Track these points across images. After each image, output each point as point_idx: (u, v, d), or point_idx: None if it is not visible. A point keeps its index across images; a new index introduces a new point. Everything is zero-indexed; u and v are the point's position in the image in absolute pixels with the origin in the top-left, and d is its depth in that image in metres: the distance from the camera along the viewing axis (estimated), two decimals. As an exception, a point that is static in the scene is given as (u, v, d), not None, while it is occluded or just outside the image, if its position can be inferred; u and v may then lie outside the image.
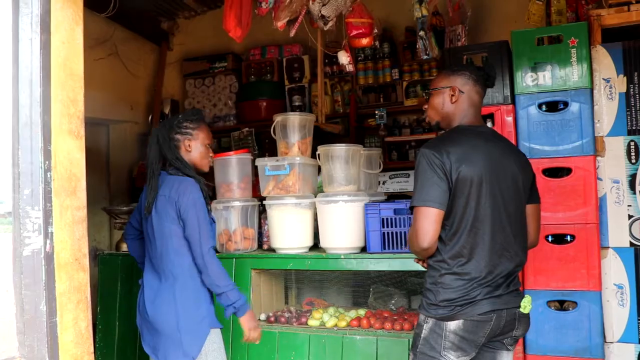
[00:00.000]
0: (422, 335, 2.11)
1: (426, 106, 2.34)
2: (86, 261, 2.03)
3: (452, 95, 2.23)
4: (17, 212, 1.83)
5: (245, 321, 2.61)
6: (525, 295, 2.18)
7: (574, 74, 2.96)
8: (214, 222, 2.74)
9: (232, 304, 2.54)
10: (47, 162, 1.90)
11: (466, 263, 2.07)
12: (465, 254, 2.07)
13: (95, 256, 4.20)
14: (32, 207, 1.85)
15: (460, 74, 2.24)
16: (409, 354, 2.21)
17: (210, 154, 2.84)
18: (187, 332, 2.53)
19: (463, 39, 4.55)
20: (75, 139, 2.03)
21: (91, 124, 5.90)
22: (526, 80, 3.05)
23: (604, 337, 2.87)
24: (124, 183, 6.02)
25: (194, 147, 2.72)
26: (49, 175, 1.90)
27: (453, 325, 2.06)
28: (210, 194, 2.97)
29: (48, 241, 1.89)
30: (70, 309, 1.94)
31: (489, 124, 3.10)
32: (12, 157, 1.84)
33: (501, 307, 2.09)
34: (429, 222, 2.03)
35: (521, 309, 2.15)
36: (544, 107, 3.02)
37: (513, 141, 3.04)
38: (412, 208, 2.11)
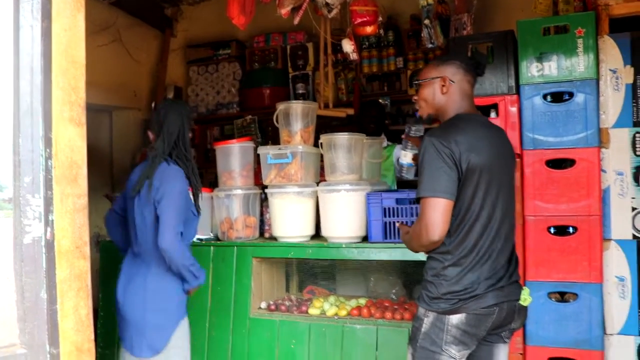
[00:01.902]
0: (423, 329, 2.07)
1: (416, 98, 2.28)
2: (87, 249, 2.03)
3: (443, 86, 2.17)
4: (18, 199, 1.82)
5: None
6: (524, 288, 2.17)
7: (580, 65, 2.94)
8: (195, 215, 2.70)
9: (198, 281, 2.59)
10: (48, 150, 1.89)
11: (470, 254, 2.03)
12: (470, 244, 2.03)
13: (97, 242, 4.21)
14: (33, 195, 1.84)
15: (450, 64, 2.19)
16: (407, 348, 2.19)
17: None
18: (153, 325, 2.53)
19: (469, 28, 4.51)
20: (77, 127, 2.02)
21: (94, 111, 5.90)
22: (531, 70, 3.02)
23: (604, 329, 2.87)
24: (127, 169, 6.03)
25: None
26: (49, 163, 1.89)
27: (455, 319, 2.02)
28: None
29: (49, 229, 1.88)
30: (70, 296, 1.94)
31: (492, 114, 3.08)
32: (13, 145, 1.83)
33: (504, 299, 2.06)
34: (439, 213, 1.97)
35: (521, 302, 2.13)
36: (548, 98, 3.00)
37: (517, 132, 3.02)
38: (418, 200, 2.04)
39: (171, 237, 2.46)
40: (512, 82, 3.07)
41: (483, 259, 2.05)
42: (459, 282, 2.03)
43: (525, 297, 2.13)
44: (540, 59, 3.01)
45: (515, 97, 3.06)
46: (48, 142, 1.91)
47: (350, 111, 4.98)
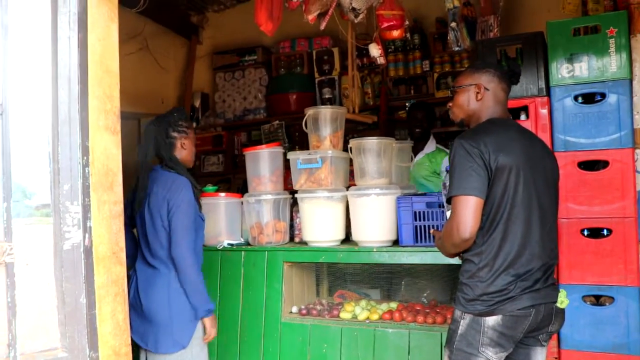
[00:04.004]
0: (459, 331, 2.08)
1: (450, 104, 2.33)
2: (123, 255, 2.07)
3: (478, 93, 2.22)
4: (57, 207, 1.87)
5: (212, 322, 2.72)
6: (561, 290, 2.16)
7: (612, 65, 2.89)
8: (203, 220, 2.85)
9: (208, 309, 2.68)
10: (85, 158, 1.94)
11: (502, 255, 2.04)
12: (502, 245, 2.04)
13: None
14: (72, 202, 1.89)
15: (485, 72, 2.23)
16: (442, 350, 2.19)
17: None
18: (179, 321, 2.64)
19: (495, 30, 4.48)
20: (112, 135, 2.06)
21: (122, 118, 5.94)
22: (562, 71, 2.99)
23: (643, 333, 2.82)
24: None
25: (188, 145, 2.86)
26: (87, 171, 1.94)
27: (492, 320, 2.03)
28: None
29: (87, 235, 1.93)
30: (108, 301, 1.98)
31: (522, 117, 3.06)
32: (52, 153, 1.88)
33: (540, 301, 2.06)
34: (469, 211, 2.00)
35: (558, 304, 2.12)
36: (580, 99, 2.96)
37: (548, 134, 2.99)
38: (449, 200, 2.08)
39: (184, 247, 2.62)
40: (542, 84, 3.04)
41: (516, 260, 2.05)
42: (493, 283, 2.04)
43: (563, 300, 2.13)
44: (570, 60, 2.97)
45: (545, 99, 3.02)
46: (85, 150, 1.95)
47: (375, 118, 4.99)
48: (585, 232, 2.92)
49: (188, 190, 2.70)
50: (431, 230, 2.72)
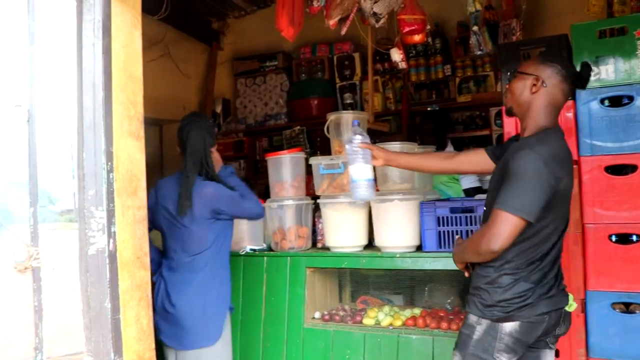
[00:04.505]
0: (475, 337, 2.06)
1: (507, 86, 2.22)
2: (147, 259, 2.08)
3: (534, 85, 2.07)
4: (83, 212, 1.88)
5: None
6: (569, 294, 2.16)
7: None
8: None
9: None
10: (109, 164, 1.95)
11: (530, 265, 2.02)
12: (533, 257, 2.02)
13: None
14: (96, 208, 1.90)
15: (550, 66, 2.08)
16: (453, 353, 2.17)
17: None
18: (210, 317, 2.78)
19: (518, 33, 4.44)
20: (136, 140, 2.08)
21: (145, 124, 6.01)
22: (587, 74, 2.94)
23: (676, 342, 2.75)
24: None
25: (215, 152, 2.97)
26: (111, 176, 1.95)
27: (509, 327, 2.02)
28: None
29: (111, 240, 1.94)
30: (132, 306, 1.99)
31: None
32: (77, 158, 1.90)
33: (554, 307, 2.06)
34: (512, 231, 1.92)
35: (567, 308, 2.12)
36: (606, 102, 2.91)
37: (574, 138, 2.94)
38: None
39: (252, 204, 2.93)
40: (567, 87, 2.99)
41: (538, 268, 2.04)
42: (511, 289, 2.03)
43: (571, 304, 2.13)
44: (596, 62, 2.92)
45: (570, 102, 2.97)
46: (109, 156, 1.96)
47: (388, 126, 4.97)
48: (614, 238, 2.86)
49: (227, 189, 2.86)
50: (456, 237, 2.68)
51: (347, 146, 2.51)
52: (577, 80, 2.12)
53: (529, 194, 1.92)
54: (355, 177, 2.49)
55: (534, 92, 2.08)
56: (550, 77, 2.07)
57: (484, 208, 2.26)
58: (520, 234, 1.97)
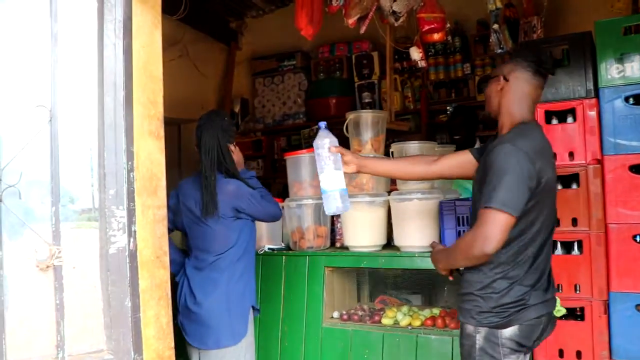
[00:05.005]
0: (477, 345, 2.03)
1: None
2: (166, 259, 2.09)
3: (498, 84, 2.12)
4: (103, 211, 1.89)
5: None
6: (557, 298, 2.17)
7: (665, 64, 2.79)
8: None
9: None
10: (130, 163, 1.96)
11: (523, 266, 2.00)
12: (524, 258, 2.00)
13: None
14: (117, 207, 1.91)
15: (510, 61, 2.14)
16: None
17: None
18: (235, 315, 2.79)
19: (539, 31, 4.39)
20: (156, 140, 2.09)
21: (164, 124, 6.05)
22: (611, 72, 2.89)
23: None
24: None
25: (236, 150, 2.97)
26: (132, 176, 1.96)
27: (509, 332, 2.00)
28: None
29: (132, 239, 1.95)
30: (152, 305, 2.00)
31: (569, 119, 2.97)
32: (98, 158, 1.91)
33: (548, 310, 2.06)
34: (501, 229, 1.88)
35: (555, 312, 2.12)
36: (631, 100, 2.86)
37: (597, 137, 2.89)
38: (480, 207, 1.95)
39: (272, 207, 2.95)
40: (590, 85, 2.95)
41: (531, 270, 2.02)
42: (508, 294, 2.00)
43: (559, 309, 2.15)
44: (621, 60, 2.87)
45: (594, 100, 2.93)
46: (130, 156, 1.97)
47: (409, 124, 4.94)
48: (638, 239, 2.81)
49: (248, 188, 2.87)
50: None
51: (315, 152, 2.32)
52: (539, 66, 2.10)
53: (511, 188, 1.89)
54: (326, 187, 2.28)
55: (500, 89, 2.12)
56: (511, 72, 2.10)
57: (470, 209, 2.23)
58: (510, 235, 1.95)
